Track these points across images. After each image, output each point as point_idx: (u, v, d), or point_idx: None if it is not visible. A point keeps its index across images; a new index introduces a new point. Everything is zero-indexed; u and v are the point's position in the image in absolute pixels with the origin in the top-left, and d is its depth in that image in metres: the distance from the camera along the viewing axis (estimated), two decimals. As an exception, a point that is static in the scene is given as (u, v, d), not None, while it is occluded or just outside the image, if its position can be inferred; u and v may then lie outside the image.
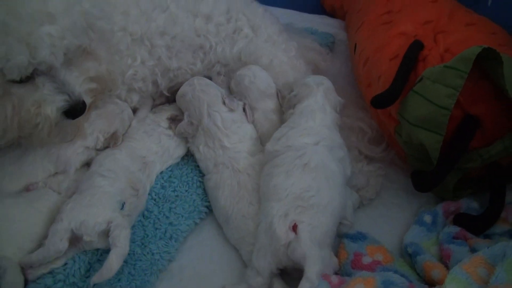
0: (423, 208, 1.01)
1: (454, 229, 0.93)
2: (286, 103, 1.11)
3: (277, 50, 1.23)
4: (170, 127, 1.12)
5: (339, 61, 1.41)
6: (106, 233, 0.88)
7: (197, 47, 1.18)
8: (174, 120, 1.13)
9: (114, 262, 0.83)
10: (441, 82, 0.86)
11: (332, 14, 1.73)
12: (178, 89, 1.17)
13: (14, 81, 0.84)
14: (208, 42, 1.18)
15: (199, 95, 1.09)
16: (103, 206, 0.89)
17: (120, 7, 1.07)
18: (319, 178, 0.89)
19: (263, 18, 1.26)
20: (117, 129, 1.06)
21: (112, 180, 0.95)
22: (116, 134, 1.05)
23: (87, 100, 0.93)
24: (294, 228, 0.82)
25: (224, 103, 1.10)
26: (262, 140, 1.10)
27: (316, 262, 0.78)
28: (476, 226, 0.94)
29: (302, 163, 0.92)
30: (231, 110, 1.09)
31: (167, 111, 1.16)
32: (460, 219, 0.96)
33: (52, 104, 0.87)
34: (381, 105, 0.97)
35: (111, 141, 1.05)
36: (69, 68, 0.90)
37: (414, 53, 0.96)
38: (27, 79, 0.85)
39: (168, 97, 1.21)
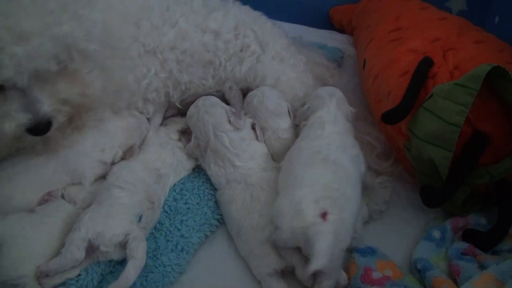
0: (432, 224, 1.02)
1: (463, 245, 0.94)
2: (300, 117, 1.12)
3: (285, 66, 1.23)
4: (179, 140, 1.13)
5: (347, 77, 1.41)
6: (122, 245, 0.88)
7: (207, 62, 1.18)
8: (184, 133, 1.14)
9: (131, 273, 0.84)
10: (451, 99, 0.87)
11: (340, 29, 1.75)
12: (190, 102, 1.18)
13: None
14: (217, 59, 1.18)
15: (203, 117, 1.09)
16: (121, 218, 0.90)
17: (131, 18, 1.09)
18: (339, 174, 0.90)
19: (271, 33, 1.27)
20: (135, 142, 1.07)
21: (131, 192, 0.96)
22: (134, 147, 1.06)
23: (58, 119, 0.92)
24: (324, 216, 0.82)
25: (229, 121, 1.09)
26: (273, 160, 1.10)
27: (325, 255, 0.78)
28: (484, 242, 0.94)
29: (320, 157, 0.92)
30: (237, 129, 1.09)
31: (178, 124, 1.17)
32: (468, 235, 0.96)
33: (13, 121, 0.86)
34: (391, 121, 0.98)
35: (127, 154, 1.06)
36: (42, 86, 0.88)
37: (424, 70, 0.98)
38: None
39: (180, 108, 1.22)
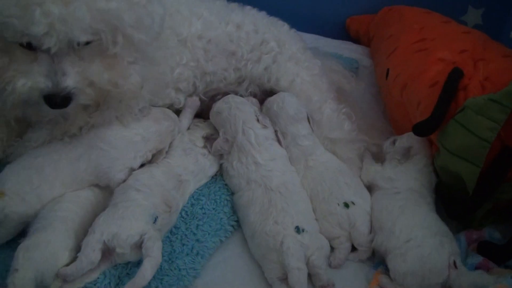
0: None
1: (477, 259, 0.93)
2: (396, 153, 1.10)
3: (300, 69, 1.24)
4: (205, 146, 1.12)
5: (363, 84, 1.41)
6: (138, 246, 0.87)
7: (230, 53, 1.21)
8: (209, 139, 1.13)
9: (148, 270, 0.83)
10: (484, 114, 0.87)
11: (356, 38, 1.76)
12: (210, 96, 1.21)
13: (20, 44, 0.81)
14: (240, 49, 1.21)
15: (235, 113, 1.11)
16: (136, 219, 0.89)
17: (168, 10, 1.08)
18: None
19: (288, 34, 1.30)
20: (165, 146, 1.06)
21: (147, 195, 0.94)
22: (162, 151, 1.06)
23: (79, 99, 0.88)
24: (455, 264, 0.87)
25: (257, 120, 1.11)
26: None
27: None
28: (499, 255, 0.94)
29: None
30: (264, 127, 1.11)
31: (202, 129, 1.17)
32: (483, 247, 0.96)
33: (29, 81, 0.83)
34: (423, 132, 0.98)
35: (154, 157, 1.05)
36: (75, 61, 0.85)
37: (454, 81, 0.97)
38: (31, 48, 0.82)
39: (203, 103, 1.23)
